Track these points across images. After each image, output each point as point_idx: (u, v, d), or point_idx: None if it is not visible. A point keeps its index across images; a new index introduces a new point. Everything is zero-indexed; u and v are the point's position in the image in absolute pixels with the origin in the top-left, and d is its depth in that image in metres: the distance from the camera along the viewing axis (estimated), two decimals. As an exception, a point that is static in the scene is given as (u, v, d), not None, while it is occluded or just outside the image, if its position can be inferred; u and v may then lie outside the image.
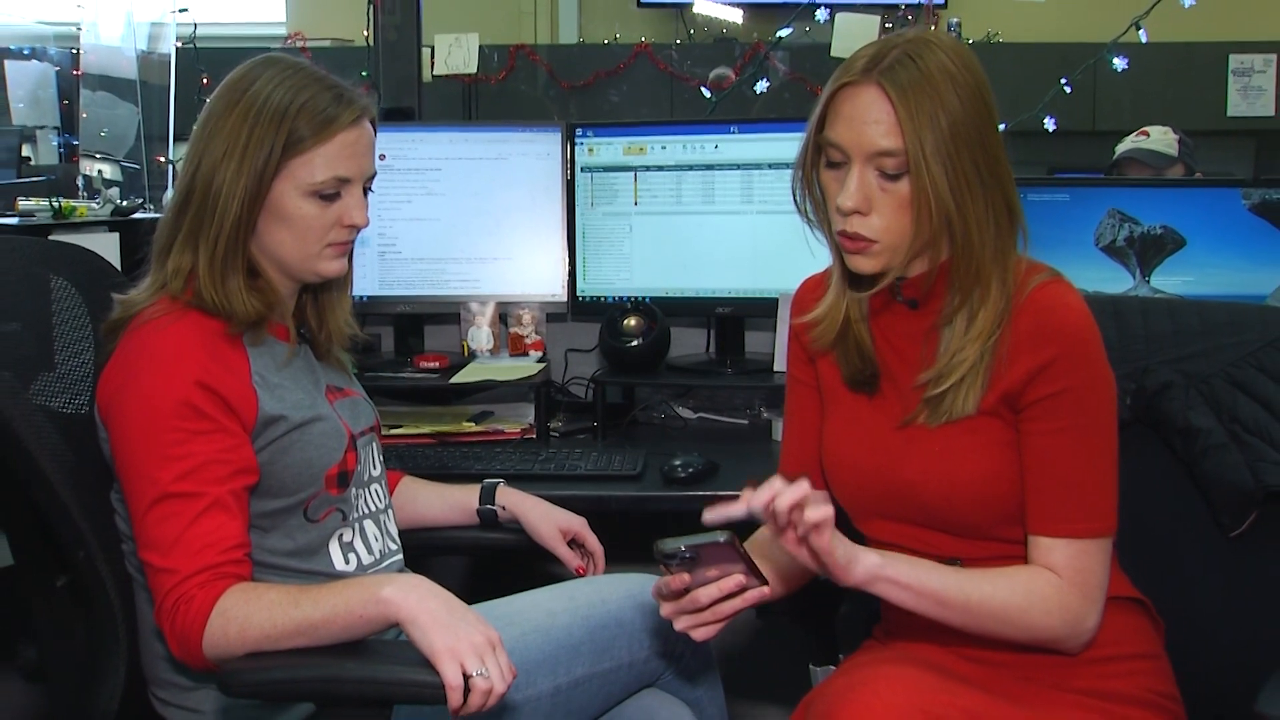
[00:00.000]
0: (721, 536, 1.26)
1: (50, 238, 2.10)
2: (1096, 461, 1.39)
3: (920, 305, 1.45)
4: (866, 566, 1.31)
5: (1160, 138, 3.56)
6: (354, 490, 1.53)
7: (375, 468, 1.61)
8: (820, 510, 1.25)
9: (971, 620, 1.36)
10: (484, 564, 2.51)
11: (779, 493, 1.25)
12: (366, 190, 1.52)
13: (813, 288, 1.57)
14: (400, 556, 1.61)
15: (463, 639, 1.25)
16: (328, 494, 1.48)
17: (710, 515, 1.28)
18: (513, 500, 1.73)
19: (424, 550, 1.74)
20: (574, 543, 1.72)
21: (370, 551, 1.55)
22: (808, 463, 1.57)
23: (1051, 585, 1.37)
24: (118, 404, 1.38)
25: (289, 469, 1.44)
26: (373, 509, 1.58)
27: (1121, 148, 3.62)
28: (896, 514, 1.47)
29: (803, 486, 1.25)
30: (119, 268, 1.72)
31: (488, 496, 1.74)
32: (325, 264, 1.50)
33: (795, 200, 1.48)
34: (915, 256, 1.39)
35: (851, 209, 1.37)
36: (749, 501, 1.27)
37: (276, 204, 1.45)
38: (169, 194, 4.02)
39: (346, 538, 1.52)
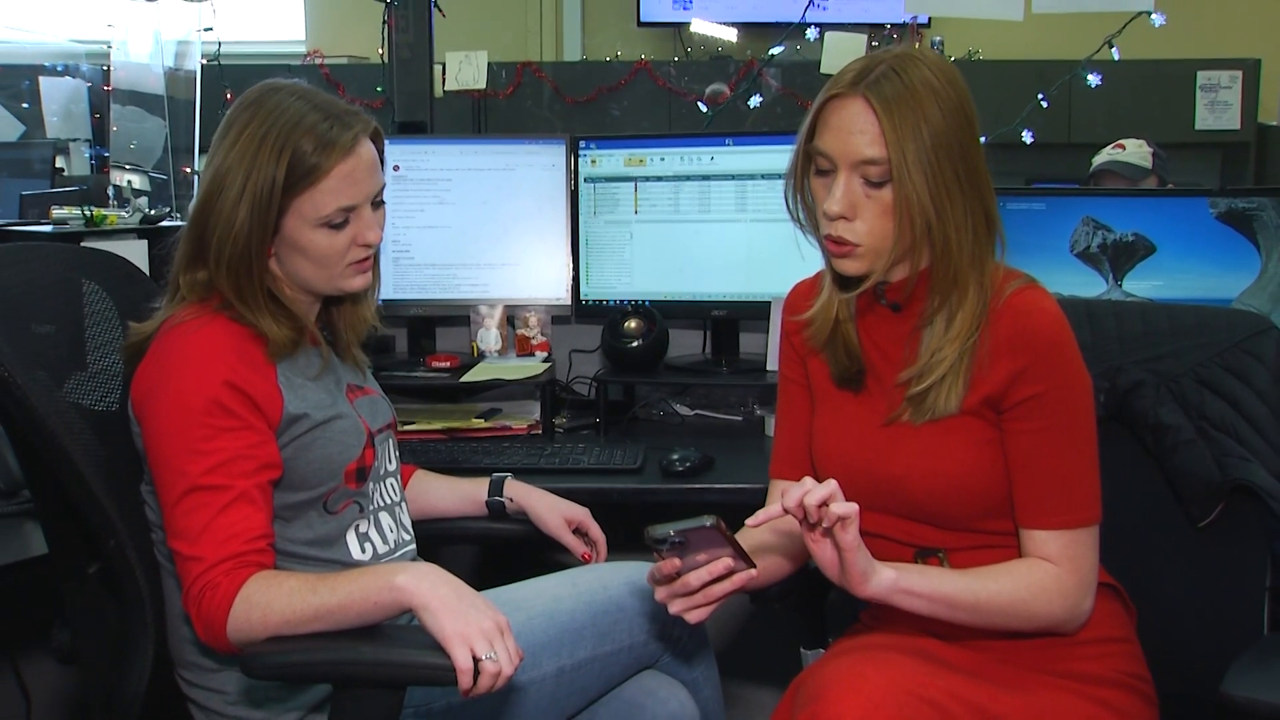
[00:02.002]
0: (708, 521, 1.25)
1: (82, 244, 2.09)
2: (1079, 456, 1.39)
3: (902, 309, 1.45)
4: (884, 581, 1.31)
5: (1135, 150, 3.56)
6: (371, 484, 1.53)
7: (391, 463, 1.61)
8: (846, 505, 1.25)
9: (981, 618, 1.36)
10: (492, 553, 2.51)
11: (809, 490, 1.25)
12: (379, 203, 1.51)
13: (803, 291, 1.57)
14: (413, 546, 1.61)
15: (472, 624, 1.25)
16: (346, 488, 1.48)
17: (754, 520, 1.29)
18: (520, 492, 1.73)
19: (436, 540, 1.74)
20: (578, 531, 1.72)
21: (385, 541, 1.54)
22: (799, 457, 1.57)
23: (1050, 575, 1.37)
24: (151, 401, 1.38)
25: (311, 464, 1.44)
26: (388, 501, 1.57)
27: (1098, 159, 3.61)
28: (883, 506, 1.47)
29: (830, 485, 1.26)
30: (147, 272, 1.72)
31: (496, 489, 1.74)
32: (349, 281, 1.49)
33: (788, 206, 1.47)
34: (898, 261, 1.39)
35: (837, 214, 1.37)
36: (784, 502, 1.27)
37: (291, 238, 1.44)
38: (193, 204, 4.01)
39: (363, 529, 1.51)
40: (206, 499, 1.32)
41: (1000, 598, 1.36)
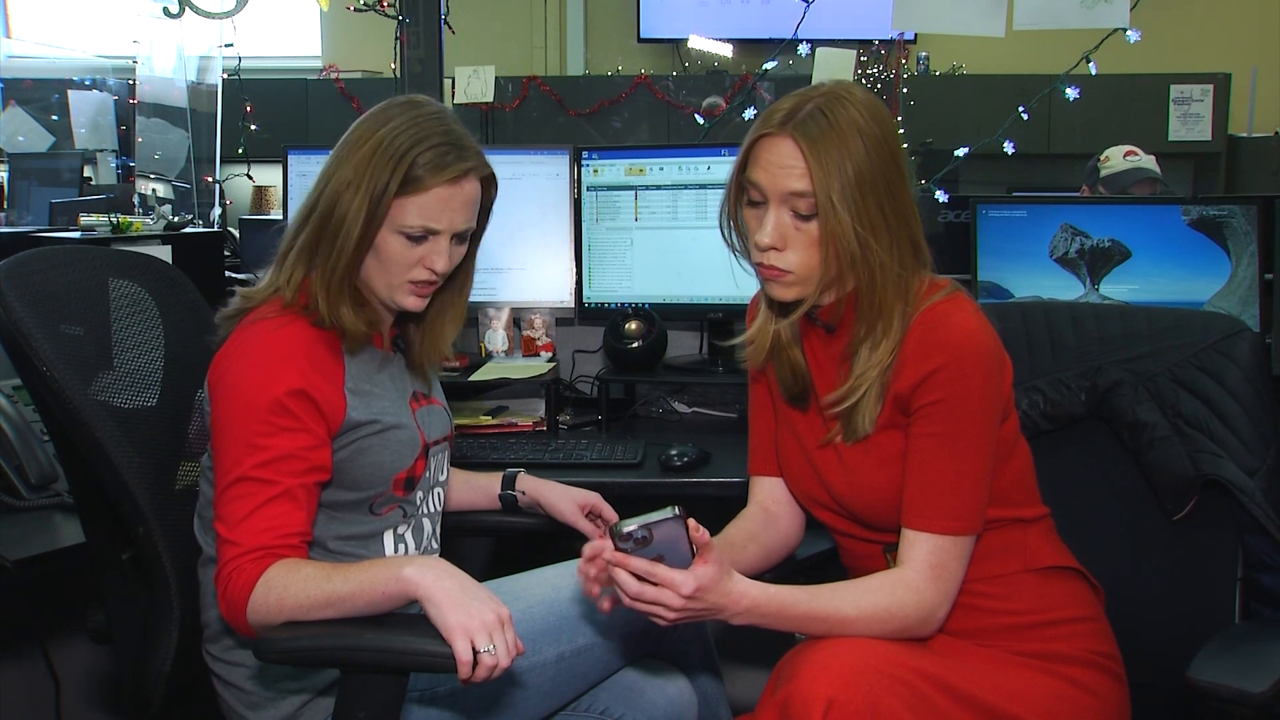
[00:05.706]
0: (672, 511, 1.21)
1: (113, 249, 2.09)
2: (963, 466, 1.35)
3: (835, 330, 1.44)
4: (736, 614, 1.27)
5: (1148, 157, 3.53)
6: (419, 493, 1.53)
7: (442, 473, 1.59)
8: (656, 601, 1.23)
9: (838, 630, 1.31)
10: (506, 545, 2.51)
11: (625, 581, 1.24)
12: (464, 241, 1.48)
13: (758, 304, 1.55)
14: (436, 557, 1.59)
15: (475, 617, 1.24)
16: (393, 494, 1.48)
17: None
18: (531, 485, 1.72)
19: (452, 532, 1.73)
20: (592, 515, 1.71)
21: (418, 547, 1.54)
22: (773, 454, 1.58)
23: (908, 586, 1.34)
24: (222, 389, 1.38)
25: (363, 469, 1.44)
26: (431, 510, 1.56)
27: (1117, 167, 3.48)
28: (836, 511, 1.48)
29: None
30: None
31: (509, 483, 1.73)
32: (403, 298, 1.47)
33: (722, 232, 1.47)
34: (825, 289, 1.38)
35: (768, 245, 1.37)
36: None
37: None
38: (216, 210, 4.01)
39: (400, 530, 1.51)
40: (252, 490, 1.32)
41: (859, 611, 1.31)
